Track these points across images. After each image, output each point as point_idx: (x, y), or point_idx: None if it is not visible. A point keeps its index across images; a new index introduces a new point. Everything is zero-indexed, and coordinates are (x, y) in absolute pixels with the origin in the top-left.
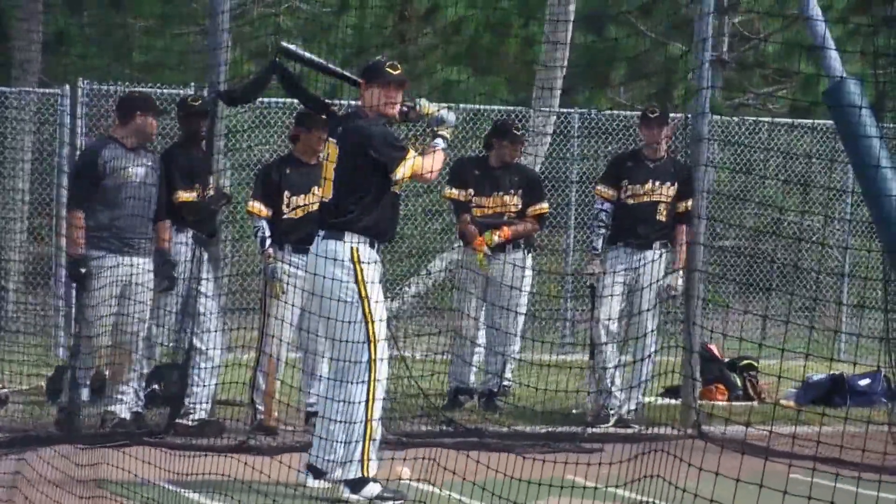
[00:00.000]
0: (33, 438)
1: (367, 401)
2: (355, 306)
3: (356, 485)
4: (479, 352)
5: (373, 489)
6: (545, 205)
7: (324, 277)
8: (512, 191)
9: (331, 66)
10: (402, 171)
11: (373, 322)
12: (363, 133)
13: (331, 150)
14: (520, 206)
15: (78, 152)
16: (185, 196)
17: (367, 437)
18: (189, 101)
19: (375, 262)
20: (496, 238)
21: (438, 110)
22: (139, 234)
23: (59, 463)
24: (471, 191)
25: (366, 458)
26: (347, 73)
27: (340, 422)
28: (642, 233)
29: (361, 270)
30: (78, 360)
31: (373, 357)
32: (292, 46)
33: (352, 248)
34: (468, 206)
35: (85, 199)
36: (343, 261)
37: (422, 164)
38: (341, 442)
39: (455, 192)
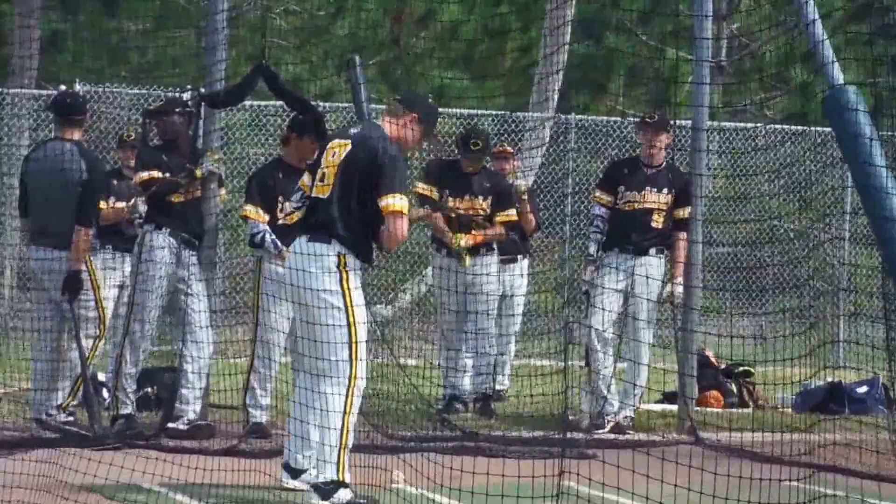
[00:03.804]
0: (26, 440)
1: (343, 409)
2: (340, 311)
3: (326, 491)
4: (469, 356)
5: (343, 495)
6: (513, 212)
7: (310, 283)
8: (482, 196)
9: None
10: (388, 202)
11: (355, 327)
12: (381, 145)
13: (339, 148)
14: (489, 211)
15: (85, 164)
16: (144, 176)
17: (343, 445)
18: (153, 103)
19: (358, 270)
20: (464, 241)
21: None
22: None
23: (50, 465)
24: (445, 191)
25: (342, 463)
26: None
27: (316, 425)
28: (636, 240)
29: (347, 276)
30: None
31: (354, 363)
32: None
33: (339, 253)
34: (437, 204)
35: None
36: (329, 265)
37: (404, 220)
38: (317, 443)
39: (426, 187)
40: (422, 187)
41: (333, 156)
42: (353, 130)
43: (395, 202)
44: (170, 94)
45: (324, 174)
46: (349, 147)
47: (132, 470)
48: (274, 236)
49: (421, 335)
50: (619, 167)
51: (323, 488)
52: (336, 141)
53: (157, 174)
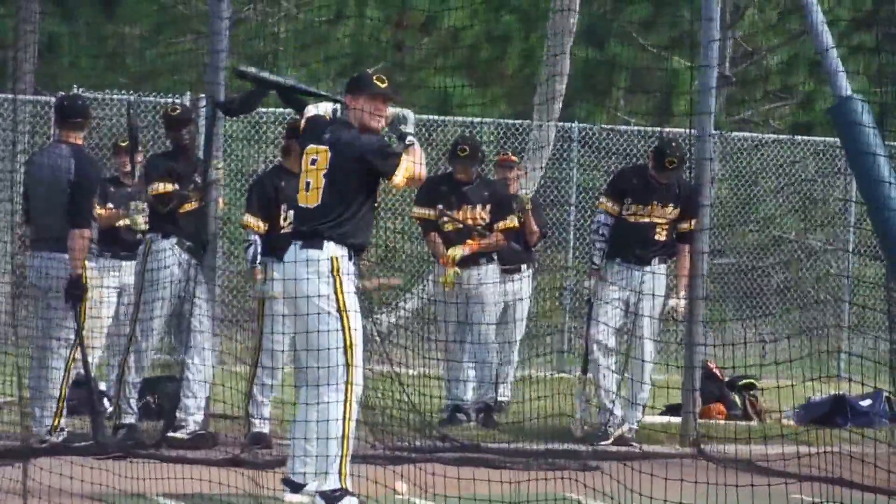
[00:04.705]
0: (26, 450)
1: (343, 416)
2: (334, 317)
3: (333, 498)
4: (471, 367)
5: (349, 502)
6: (513, 219)
7: (305, 289)
8: (480, 205)
9: (299, 85)
10: (402, 176)
11: (350, 332)
12: (359, 143)
13: (320, 155)
14: (488, 220)
15: (74, 165)
16: (161, 188)
17: (345, 452)
18: (168, 110)
19: (351, 274)
20: (459, 252)
21: (399, 111)
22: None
23: (52, 474)
24: (440, 207)
25: (344, 470)
26: (319, 91)
27: (317, 438)
28: (639, 252)
29: (341, 281)
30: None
31: (350, 368)
32: (251, 70)
33: (332, 257)
34: (436, 224)
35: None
36: (323, 271)
37: (413, 166)
38: (316, 455)
39: (424, 211)
40: (420, 212)
41: (313, 163)
42: (326, 135)
43: (403, 172)
44: (164, 101)
45: (308, 183)
46: (329, 155)
47: (134, 479)
48: (259, 249)
49: (422, 345)
50: (627, 177)
51: (329, 495)
52: (312, 146)
53: (171, 187)
